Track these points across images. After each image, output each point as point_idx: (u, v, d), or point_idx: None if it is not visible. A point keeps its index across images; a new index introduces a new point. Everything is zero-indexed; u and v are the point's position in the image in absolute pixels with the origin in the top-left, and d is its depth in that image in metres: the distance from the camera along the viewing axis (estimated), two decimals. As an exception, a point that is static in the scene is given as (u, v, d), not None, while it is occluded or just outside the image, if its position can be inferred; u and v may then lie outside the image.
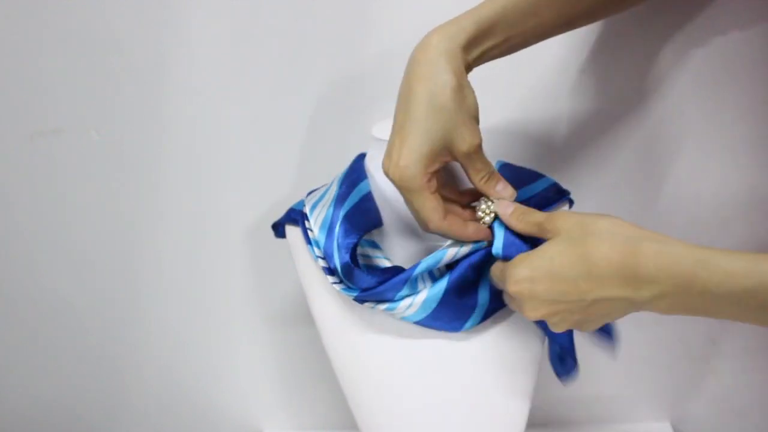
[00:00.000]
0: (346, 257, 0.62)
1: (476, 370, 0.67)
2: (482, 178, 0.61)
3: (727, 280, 0.49)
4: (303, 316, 0.92)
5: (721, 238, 0.89)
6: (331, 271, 0.65)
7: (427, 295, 0.63)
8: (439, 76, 0.58)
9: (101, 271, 0.94)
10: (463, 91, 0.59)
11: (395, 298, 0.63)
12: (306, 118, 0.85)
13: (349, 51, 0.82)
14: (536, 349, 0.68)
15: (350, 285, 0.64)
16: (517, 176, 0.67)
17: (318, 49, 0.82)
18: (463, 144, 0.58)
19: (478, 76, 0.83)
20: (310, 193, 0.74)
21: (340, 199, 0.67)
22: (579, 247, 0.53)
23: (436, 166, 0.59)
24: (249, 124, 0.86)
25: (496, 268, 0.60)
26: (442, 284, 0.62)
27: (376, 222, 0.65)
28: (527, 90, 0.83)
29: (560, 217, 0.56)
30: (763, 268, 0.48)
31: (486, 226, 0.62)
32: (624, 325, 0.93)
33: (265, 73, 0.83)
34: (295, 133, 0.86)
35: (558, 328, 0.57)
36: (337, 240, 0.63)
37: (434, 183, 0.59)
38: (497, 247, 0.60)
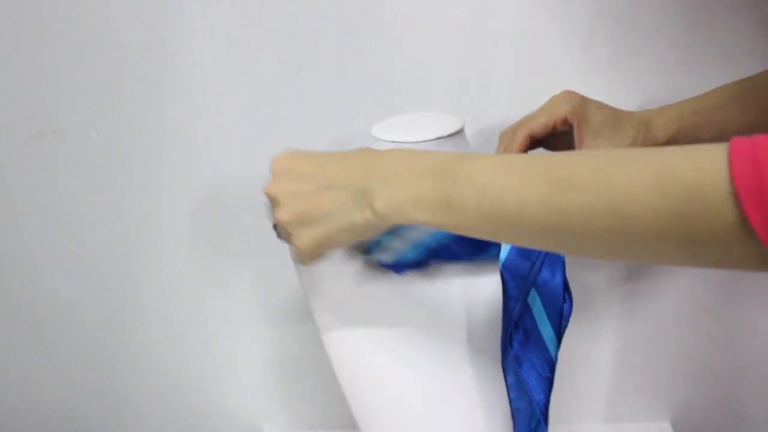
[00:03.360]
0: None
1: (476, 367, 0.67)
2: None
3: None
4: (303, 316, 0.92)
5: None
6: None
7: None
8: None
9: (101, 271, 0.94)
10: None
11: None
12: (306, 118, 0.85)
13: (350, 51, 0.82)
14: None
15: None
16: None
17: (318, 48, 0.82)
18: None
19: (479, 76, 0.83)
20: None
21: None
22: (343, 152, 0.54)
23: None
24: (249, 123, 0.86)
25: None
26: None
27: None
28: (527, 90, 0.83)
29: None
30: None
31: None
32: (625, 325, 0.94)
33: (265, 73, 0.83)
34: (295, 133, 0.86)
35: (282, 212, 0.54)
36: None
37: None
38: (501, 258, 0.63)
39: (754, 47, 0.79)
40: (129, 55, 0.83)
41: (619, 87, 0.82)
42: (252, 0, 0.80)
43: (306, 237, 0.53)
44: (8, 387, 1.01)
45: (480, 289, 0.67)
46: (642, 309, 0.93)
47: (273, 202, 0.55)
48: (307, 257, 0.55)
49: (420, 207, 0.48)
